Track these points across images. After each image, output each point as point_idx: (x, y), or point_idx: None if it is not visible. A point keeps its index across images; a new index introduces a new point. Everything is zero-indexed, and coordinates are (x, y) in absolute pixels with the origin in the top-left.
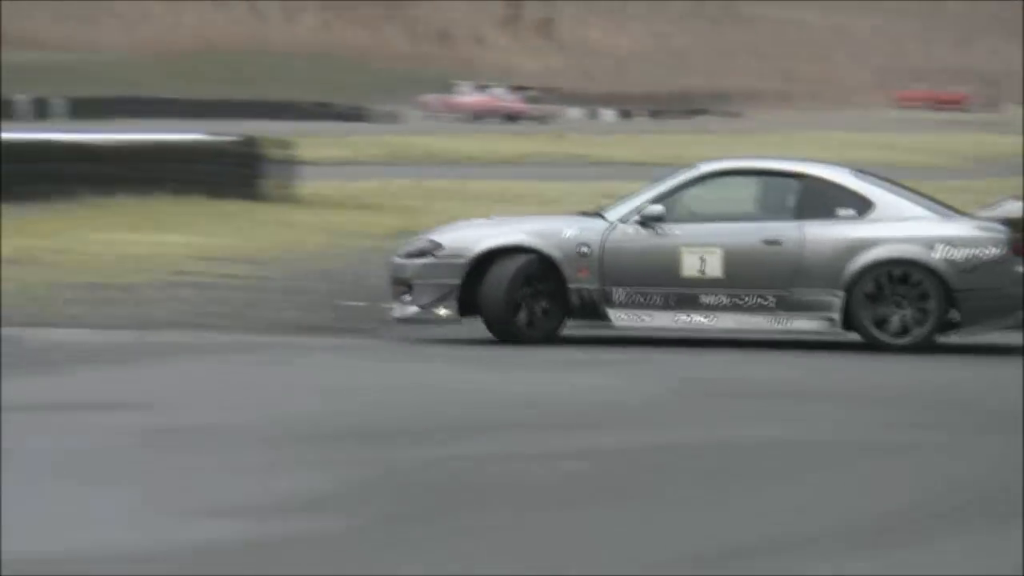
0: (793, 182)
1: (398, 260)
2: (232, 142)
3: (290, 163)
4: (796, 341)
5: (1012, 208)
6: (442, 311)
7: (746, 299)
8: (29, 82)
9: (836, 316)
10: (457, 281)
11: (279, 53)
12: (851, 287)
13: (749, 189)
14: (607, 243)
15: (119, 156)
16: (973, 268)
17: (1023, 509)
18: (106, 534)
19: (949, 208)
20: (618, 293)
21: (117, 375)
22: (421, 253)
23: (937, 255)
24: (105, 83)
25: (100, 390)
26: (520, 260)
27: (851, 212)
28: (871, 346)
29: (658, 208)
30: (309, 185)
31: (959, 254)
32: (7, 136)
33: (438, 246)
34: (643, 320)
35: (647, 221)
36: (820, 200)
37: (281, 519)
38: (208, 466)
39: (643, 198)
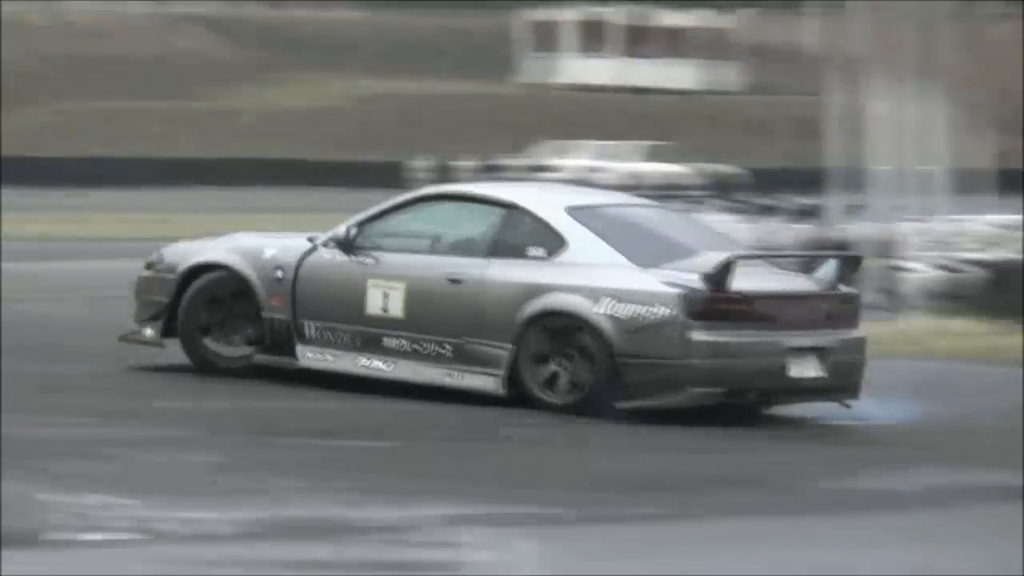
0: (498, 212)
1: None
2: None
3: None
4: None
5: (707, 260)
6: (147, 331)
7: (425, 346)
8: None
9: (504, 373)
10: (166, 299)
11: None
12: (518, 340)
13: (459, 217)
14: (301, 269)
15: None
16: (637, 329)
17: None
18: None
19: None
20: (310, 327)
21: None
22: (147, 266)
23: (601, 309)
24: None
25: None
26: (211, 279)
27: (542, 251)
28: None
29: (352, 232)
30: None
31: (625, 311)
32: None
33: (160, 259)
34: (327, 360)
35: (343, 246)
36: (517, 235)
37: None
38: None
39: (352, 220)
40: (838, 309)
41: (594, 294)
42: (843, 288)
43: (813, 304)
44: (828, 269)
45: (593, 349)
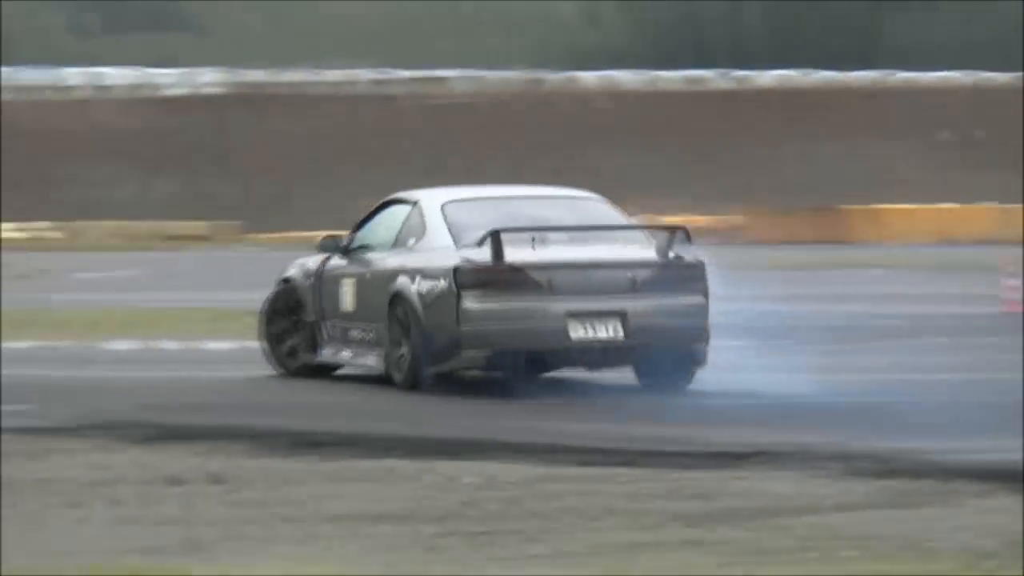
0: (405, 210)
1: None
2: None
3: None
4: None
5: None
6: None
7: (365, 333)
8: None
9: (382, 352)
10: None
11: None
12: (385, 320)
13: (396, 216)
14: (322, 274)
15: None
16: (432, 302)
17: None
18: None
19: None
20: (326, 326)
21: None
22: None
23: (415, 287)
24: None
25: None
26: (278, 291)
27: (413, 241)
28: None
29: (347, 238)
30: None
31: (425, 286)
32: None
33: (286, 274)
34: (326, 355)
35: (342, 251)
36: (409, 228)
37: None
38: None
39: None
40: (658, 276)
41: (414, 273)
42: (678, 257)
43: (614, 272)
44: (661, 241)
45: (411, 323)
